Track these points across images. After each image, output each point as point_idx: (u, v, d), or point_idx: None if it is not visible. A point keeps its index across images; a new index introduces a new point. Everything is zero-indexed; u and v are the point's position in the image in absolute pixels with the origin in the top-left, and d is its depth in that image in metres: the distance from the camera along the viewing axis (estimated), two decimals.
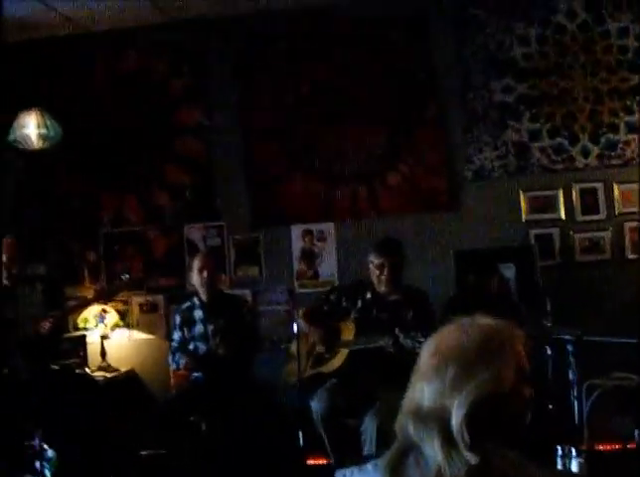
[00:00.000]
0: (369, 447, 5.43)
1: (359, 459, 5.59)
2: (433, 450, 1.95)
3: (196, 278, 6.46)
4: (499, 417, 2.00)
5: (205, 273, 6.41)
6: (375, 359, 5.61)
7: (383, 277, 5.85)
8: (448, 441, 1.94)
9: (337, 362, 5.78)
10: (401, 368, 5.43)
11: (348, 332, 5.84)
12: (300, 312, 6.08)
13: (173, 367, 6.57)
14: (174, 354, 6.53)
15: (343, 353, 5.78)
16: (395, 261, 5.88)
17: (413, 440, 2.00)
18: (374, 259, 5.90)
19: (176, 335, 6.60)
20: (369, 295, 5.99)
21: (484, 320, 2.15)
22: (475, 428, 1.94)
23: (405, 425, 2.03)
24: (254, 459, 6.18)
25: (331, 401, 5.58)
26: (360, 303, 5.99)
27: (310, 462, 5.94)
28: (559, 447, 4.33)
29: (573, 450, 4.23)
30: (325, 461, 5.92)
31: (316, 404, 5.61)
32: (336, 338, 5.90)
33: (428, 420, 1.98)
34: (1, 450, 5.74)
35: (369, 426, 5.45)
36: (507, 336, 2.10)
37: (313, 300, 6.34)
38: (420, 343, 5.05)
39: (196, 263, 6.48)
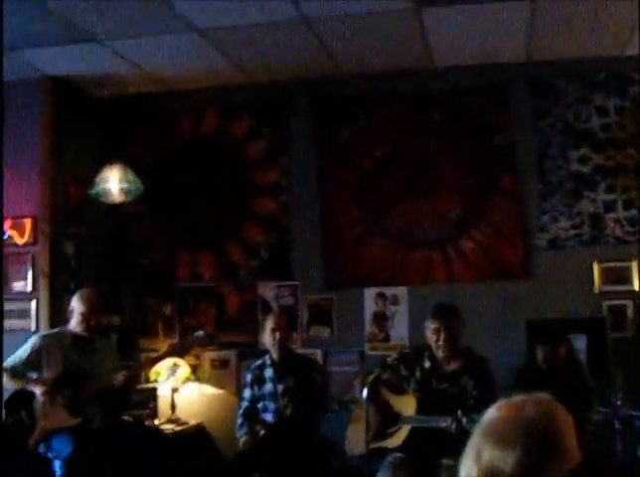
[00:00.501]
0: None
1: None
2: None
3: (268, 338, 6.55)
4: None
5: (277, 334, 6.49)
6: (438, 435, 5.55)
7: (440, 342, 5.79)
8: None
9: (400, 437, 5.69)
10: (463, 445, 5.42)
11: (410, 406, 5.76)
12: (367, 382, 6.13)
13: (239, 435, 6.61)
14: (241, 421, 6.60)
15: (405, 429, 5.70)
16: (451, 326, 5.81)
17: None
18: (430, 324, 5.85)
19: (247, 393, 6.67)
20: (427, 364, 5.91)
21: (543, 397, 2.21)
22: None
23: None
24: None
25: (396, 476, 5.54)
26: (419, 373, 5.92)
27: None
28: None
29: None
30: None
31: None
32: (389, 415, 5.89)
33: None
34: None
35: None
36: (563, 414, 2.16)
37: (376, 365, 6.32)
38: None
39: (268, 323, 6.57)
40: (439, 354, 5.86)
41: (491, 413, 2.17)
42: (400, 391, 5.93)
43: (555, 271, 7.22)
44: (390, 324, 7.55)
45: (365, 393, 5.59)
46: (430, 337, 5.87)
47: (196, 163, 8.01)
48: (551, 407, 2.15)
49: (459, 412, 5.29)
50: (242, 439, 6.54)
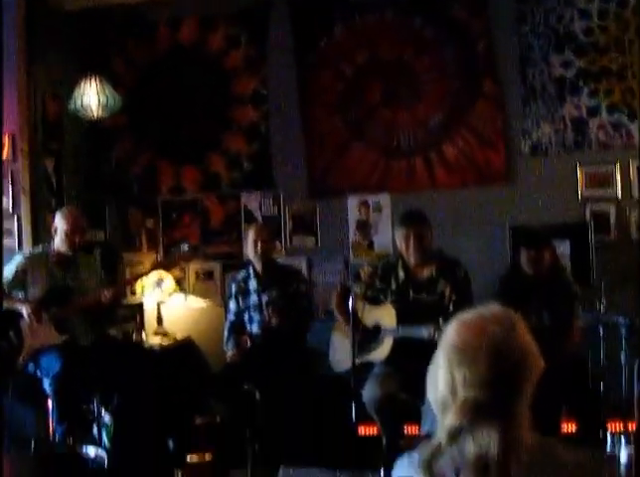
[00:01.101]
0: (430, 426, 5.43)
1: (412, 438, 5.67)
2: (482, 442, 2.07)
3: (251, 249, 6.54)
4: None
5: (259, 245, 6.48)
6: (422, 345, 5.54)
7: (411, 249, 5.79)
8: (505, 431, 2.07)
9: (384, 350, 5.75)
10: None
11: (389, 317, 5.79)
12: (333, 296, 6.16)
13: (226, 348, 6.66)
14: (227, 334, 6.64)
15: (388, 341, 5.74)
16: (420, 231, 5.81)
17: (457, 436, 2.10)
18: (399, 232, 5.87)
19: (232, 305, 6.70)
20: (402, 274, 5.91)
21: (504, 311, 2.24)
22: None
23: (453, 421, 2.11)
24: (307, 428, 6.27)
25: (382, 390, 5.56)
26: (394, 284, 5.93)
27: (362, 431, 5.99)
28: (608, 435, 4.34)
29: (623, 438, 4.23)
30: (376, 432, 5.97)
31: (367, 394, 5.59)
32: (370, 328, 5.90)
33: (488, 411, 2.09)
34: (62, 413, 5.89)
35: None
36: (522, 325, 2.22)
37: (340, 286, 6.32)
38: None
39: (250, 235, 6.56)
40: (411, 261, 5.86)
41: (451, 334, 2.22)
42: (377, 302, 5.95)
43: (538, 177, 7.20)
44: (373, 232, 7.55)
45: (336, 303, 5.64)
46: (401, 245, 5.87)
47: (175, 74, 7.88)
48: (509, 319, 2.20)
49: (440, 321, 5.31)
50: (230, 353, 6.60)
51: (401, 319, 5.71)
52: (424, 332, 5.39)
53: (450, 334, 2.22)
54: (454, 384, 2.13)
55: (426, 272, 5.88)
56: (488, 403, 2.09)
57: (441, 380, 2.17)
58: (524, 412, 2.15)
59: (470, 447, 2.08)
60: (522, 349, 2.16)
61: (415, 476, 2.15)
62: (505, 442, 2.06)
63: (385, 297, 5.93)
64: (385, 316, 5.82)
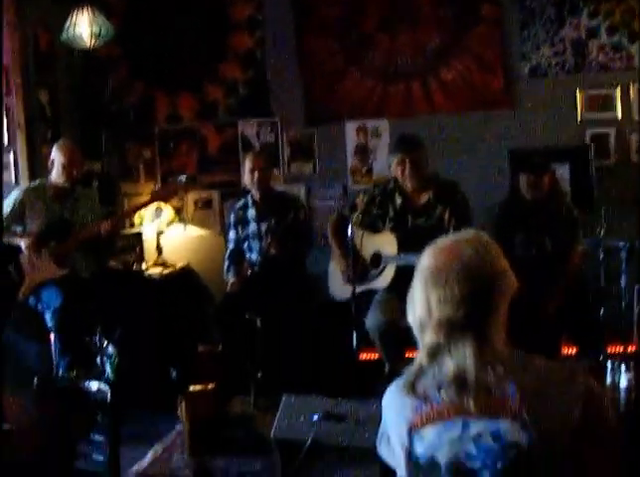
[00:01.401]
0: None
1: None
2: (458, 358, 2.19)
3: (247, 178, 6.50)
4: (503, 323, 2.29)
5: (256, 173, 6.43)
6: None
7: (406, 174, 5.78)
8: (480, 347, 2.18)
9: (387, 278, 5.76)
10: None
11: (390, 244, 5.80)
12: (330, 221, 6.14)
13: (226, 277, 6.66)
14: (228, 263, 6.64)
15: (390, 268, 5.75)
16: (415, 155, 5.80)
17: (436, 354, 2.22)
18: (394, 158, 5.85)
19: (231, 233, 6.70)
20: (399, 200, 5.91)
21: (478, 235, 2.36)
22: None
23: (433, 341, 2.24)
24: (308, 355, 6.31)
25: (385, 316, 5.59)
26: (392, 211, 5.93)
27: (363, 357, 6.03)
28: (608, 362, 4.36)
29: (623, 366, 4.26)
30: (377, 356, 6.02)
31: (370, 321, 5.64)
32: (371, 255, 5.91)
33: (463, 328, 2.20)
34: (64, 346, 5.92)
35: None
36: (497, 249, 2.34)
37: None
38: None
39: (247, 163, 6.52)
40: (408, 186, 5.85)
41: (426, 258, 2.35)
42: (375, 229, 5.95)
43: (537, 100, 7.14)
44: (372, 157, 7.51)
45: (331, 233, 5.63)
46: (396, 170, 5.85)
47: (169, 1, 7.75)
48: (481, 242, 2.31)
49: None
50: (231, 281, 6.61)
51: (402, 246, 5.71)
52: None
53: (426, 258, 2.35)
54: (430, 305, 2.24)
55: (424, 197, 5.88)
56: (462, 322, 2.19)
57: (418, 301, 2.28)
58: (498, 328, 2.25)
59: (448, 364, 2.19)
60: (493, 269, 2.26)
61: (401, 399, 2.28)
62: (479, 356, 2.17)
63: (383, 224, 5.93)
64: (385, 243, 5.82)
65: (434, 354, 2.21)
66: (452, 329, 2.19)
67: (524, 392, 2.13)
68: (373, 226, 5.94)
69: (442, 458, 2.17)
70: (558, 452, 2.12)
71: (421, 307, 2.26)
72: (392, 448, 2.37)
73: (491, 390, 2.16)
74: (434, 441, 2.19)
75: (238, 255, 6.66)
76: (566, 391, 2.15)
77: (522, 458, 2.10)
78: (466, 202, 5.89)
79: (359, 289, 5.65)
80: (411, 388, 2.24)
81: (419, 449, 2.22)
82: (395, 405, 2.33)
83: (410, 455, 2.24)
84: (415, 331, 2.29)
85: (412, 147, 5.85)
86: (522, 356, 2.24)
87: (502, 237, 5.76)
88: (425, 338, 2.24)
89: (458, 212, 5.73)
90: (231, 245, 6.71)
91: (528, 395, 2.13)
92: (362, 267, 5.81)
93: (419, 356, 2.26)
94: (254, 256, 6.58)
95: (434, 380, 2.22)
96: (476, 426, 2.15)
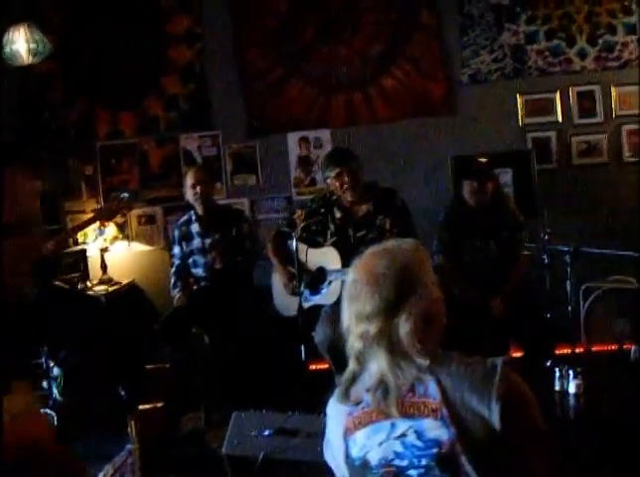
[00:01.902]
0: None
1: None
2: (379, 365, 2.30)
3: (190, 193, 6.45)
4: (433, 326, 2.37)
5: (198, 188, 6.39)
6: None
7: (345, 186, 5.74)
8: (395, 353, 2.28)
9: (334, 293, 5.67)
10: None
11: (333, 259, 5.77)
12: (269, 237, 6.13)
13: (173, 293, 6.61)
14: (174, 279, 6.58)
15: (336, 284, 5.69)
16: (352, 167, 5.76)
17: (360, 364, 2.36)
18: (331, 172, 5.80)
19: (176, 249, 6.65)
20: (338, 214, 5.90)
21: (397, 245, 2.45)
22: (419, 339, 2.29)
23: (356, 350, 2.37)
24: (257, 368, 6.28)
25: (333, 331, 5.55)
26: (332, 226, 5.91)
27: (312, 368, 6.00)
28: (556, 369, 4.38)
29: (571, 372, 4.28)
30: (327, 366, 6.00)
31: (319, 335, 5.62)
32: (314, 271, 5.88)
33: (377, 338, 2.31)
34: (10, 370, 5.82)
35: None
36: (420, 256, 2.44)
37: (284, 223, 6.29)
38: None
39: (188, 179, 6.46)
40: (347, 199, 5.82)
41: (350, 273, 2.47)
42: (316, 245, 5.91)
43: (478, 106, 7.19)
44: (315, 168, 7.49)
45: (272, 250, 5.59)
46: (334, 184, 5.81)
47: (107, 16, 7.64)
48: (402, 253, 2.41)
49: None
50: (177, 297, 6.55)
51: (345, 260, 5.67)
52: None
53: (350, 271, 2.49)
54: (350, 317, 2.40)
55: (363, 209, 5.86)
56: (375, 335, 2.31)
57: (344, 313, 2.44)
58: (411, 336, 2.29)
59: (372, 369, 2.32)
60: (409, 281, 2.35)
61: (337, 406, 2.41)
62: (394, 363, 2.28)
63: (324, 239, 5.90)
64: (328, 259, 5.80)
65: (360, 361, 2.35)
66: (369, 340, 2.32)
67: (444, 390, 2.21)
68: (313, 241, 5.91)
69: (373, 459, 2.27)
70: (480, 449, 2.18)
71: (346, 319, 2.42)
72: (333, 453, 2.46)
73: (413, 391, 2.25)
74: (365, 443, 2.29)
75: (183, 271, 6.61)
76: (485, 388, 2.20)
77: (444, 455, 2.18)
78: (406, 208, 5.88)
79: (306, 305, 5.62)
80: (345, 395, 2.36)
81: (353, 452, 2.32)
82: (333, 413, 2.44)
83: (347, 458, 2.34)
84: (346, 337, 2.42)
85: (349, 159, 5.84)
86: (444, 355, 2.32)
87: (447, 242, 5.77)
88: (353, 345, 2.38)
89: (398, 219, 5.75)
90: (176, 261, 6.65)
91: (448, 393, 2.21)
92: (308, 282, 5.78)
93: (350, 362, 2.38)
94: (200, 271, 6.54)
95: (364, 385, 2.33)
96: (401, 426, 2.25)
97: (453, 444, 2.17)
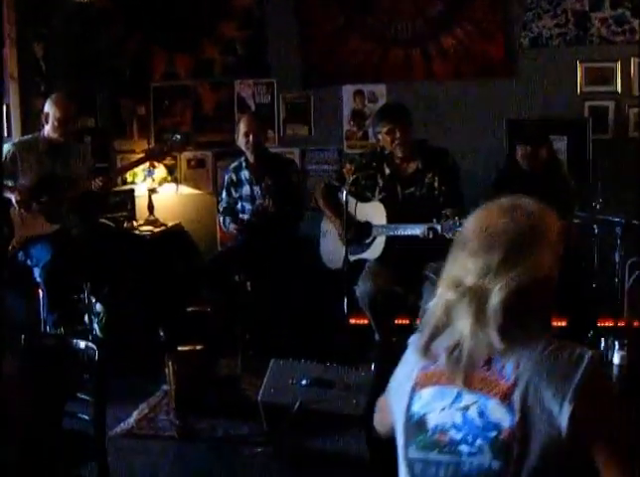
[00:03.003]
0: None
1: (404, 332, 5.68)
2: (462, 327, 2.10)
3: (241, 141, 6.42)
4: (530, 304, 2.12)
5: (250, 137, 6.35)
6: (416, 241, 5.49)
7: (396, 142, 5.73)
8: (479, 320, 2.08)
9: (378, 248, 5.74)
10: (441, 249, 5.45)
11: (379, 214, 5.75)
12: (319, 189, 6.10)
13: (223, 229, 6.62)
14: (223, 217, 6.58)
15: (381, 239, 5.72)
16: (403, 124, 5.75)
17: (448, 317, 2.15)
18: (382, 128, 5.78)
19: (224, 195, 6.64)
20: (387, 171, 5.86)
21: (528, 205, 2.19)
22: (509, 313, 2.06)
23: (445, 300, 2.16)
24: (298, 319, 6.30)
25: (376, 285, 5.56)
26: (381, 181, 5.88)
27: (353, 322, 6.00)
28: (602, 339, 4.35)
29: (617, 343, 4.25)
30: (367, 321, 6.01)
31: (361, 289, 5.61)
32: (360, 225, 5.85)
33: (467, 297, 2.10)
34: (52, 303, 5.89)
35: (429, 300, 5.41)
36: (550, 223, 2.17)
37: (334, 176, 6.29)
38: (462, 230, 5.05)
39: (242, 126, 6.42)
40: (397, 155, 5.81)
41: (467, 220, 2.25)
42: (364, 199, 5.89)
43: (537, 71, 7.07)
44: (368, 122, 7.42)
45: (322, 202, 5.58)
46: (385, 139, 5.79)
47: None
48: (527, 212, 2.17)
49: (434, 221, 5.26)
50: (231, 227, 6.52)
51: (392, 216, 5.69)
52: (417, 231, 5.35)
53: (467, 220, 2.25)
54: (451, 263, 2.19)
55: (412, 166, 5.85)
56: (468, 292, 2.10)
57: (449, 260, 2.21)
58: (500, 308, 2.09)
59: (457, 328, 2.12)
60: (516, 249, 2.10)
61: (413, 356, 2.25)
62: (474, 330, 2.08)
63: (372, 194, 5.88)
64: (374, 214, 5.79)
65: (448, 314, 2.15)
66: (460, 295, 2.11)
67: (520, 374, 2.05)
68: (362, 196, 5.88)
69: (431, 422, 2.15)
70: (541, 448, 2.02)
71: (448, 263, 2.21)
72: (396, 398, 2.32)
73: (489, 365, 2.10)
74: (429, 403, 2.17)
75: (231, 211, 6.58)
76: (563, 382, 2.02)
77: (500, 441, 2.04)
78: (456, 168, 5.87)
79: (352, 258, 5.62)
80: (425, 349, 2.20)
81: (415, 407, 2.19)
82: (408, 361, 2.30)
83: (407, 411, 2.21)
84: (443, 287, 2.21)
85: (401, 115, 5.82)
86: (532, 337, 2.10)
87: None
88: (445, 294, 2.17)
89: (448, 178, 5.74)
90: (223, 204, 6.64)
91: (523, 378, 2.05)
92: (353, 236, 5.76)
93: (438, 312, 2.19)
94: (247, 218, 6.54)
95: (445, 342, 2.16)
96: (467, 398, 2.11)
97: (513, 433, 2.03)
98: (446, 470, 2.12)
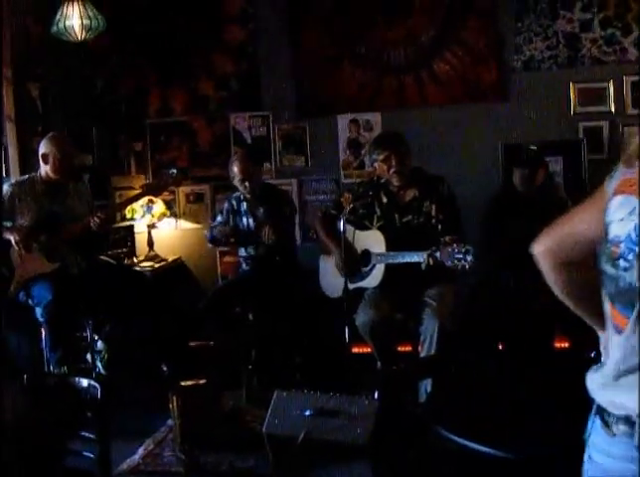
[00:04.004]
0: (428, 346, 5.45)
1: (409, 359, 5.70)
2: None
3: (238, 183, 6.46)
4: None
5: (246, 183, 6.42)
6: (415, 269, 5.48)
7: (392, 170, 5.73)
8: None
9: (378, 276, 5.73)
10: (442, 272, 5.45)
11: (378, 242, 5.75)
12: (317, 219, 6.11)
13: (214, 233, 6.62)
14: (210, 229, 6.68)
15: (380, 267, 5.71)
16: (400, 151, 5.76)
17: None
18: (379, 155, 5.78)
19: (219, 218, 6.70)
20: (385, 199, 5.88)
21: None
22: None
23: None
24: (299, 348, 6.30)
25: (376, 313, 5.57)
26: (378, 210, 5.89)
27: (355, 350, 6.00)
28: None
29: None
30: (369, 350, 6.01)
31: (361, 318, 5.61)
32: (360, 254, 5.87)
33: None
34: (55, 341, 5.89)
35: (429, 326, 5.46)
36: None
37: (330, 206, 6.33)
38: (461, 257, 5.07)
39: (235, 168, 6.45)
40: (394, 183, 5.83)
41: None
42: (362, 228, 5.90)
43: (530, 93, 7.10)
44: (364, 151, 7.45)
45: (321, 230, 5.59)
46: (381, 167, 5.80)
47: None
48: None
49: (433, 248, 5.27)
50: (219, 229, 6.59)
51: (391, 244, 5.69)
52: (417, 258, 5.36)
53: None
54: None
55: (410, 194, 5.86)
56: None
57: None
58: None
59: None
60: None
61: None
62: None
63: (370, 223, 5.90)
64: (373, 242, 5.79)
65: None
66: None
67: None
68: (360, 224, 5.90)
69: (611, 232, 2.03)
70: None
71: None
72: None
73: None
74: (613, 212, 2.05)
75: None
76: None
77: None
78: (453, 196, 5.87)
79: (350, 286, 5.63)
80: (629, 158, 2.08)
81: (607, 217, 2.07)
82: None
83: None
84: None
85: (397, 143, 5.83)
86: None
87: (495, 228, 5.74)
88: None
89: (445, 206, 5.75)
90: (215, 223, 6.74)
91: None
92: (354, 264, 5.78)
93: None
94: (243, 251, 6.58)
95: None
96: None
97: None
98: (614, 285, 2.03)
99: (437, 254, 5.21)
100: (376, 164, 5.84)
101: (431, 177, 5.94)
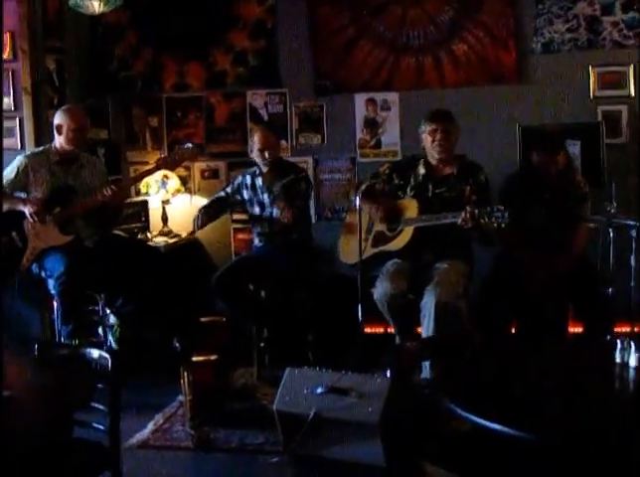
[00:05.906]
0: (428, 322, 5.46)
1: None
2: None
3: (257, 156, 6.40)
4: None
5: (266, 154, 6.35)
6: (437, 235, 5.62)
7: (436, 143, 5.82)
8: None
9: (402, 240, 5.75)
10: (459, 242, 5.51)
11: (411, 209, 5.79)
12: (360, 191, 6.07)
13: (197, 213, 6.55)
14: (207, 205, 6.68)
15: (408, 231, 5.73)
16: (447, 127, 5.85)
17: None
18: (427, 127, 5.87)
19: (229, 189, 6.69)
20: (422, 171, 5.95)
21: None
22: None
23: None
24: (313, 326, 6.30)
25: (394, 286, 5.57)
26: (413, 180, 5.96)
27: (368, 330, 5.98)
28: (618, 341, 4.31)
29: (633, 344, 4.21)
30: (382, 330, 6.00)
31: (378, 292, 5.61)
32: (398, 216, 5.87)
33: None
34: (67, 314, 5.89)
35: (428, 301, 5.47)
36: None
37: (368, 176, 6.27)
38: (499, 215, 5.13)
39: (256, 141, 6.40)
40: (435, 156, 5.90)
41: None
42: (396, 198, 5.96)
43: (549, 76, 7.05)
44: (381, 130, 7.45)
45: (357, 201, 5.56)
46: (427, 139, 5.89)
47: None
48: None
49: (467, 208, 5.34)
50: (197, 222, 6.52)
51: (423, 209, 5.76)
52: (452, 218, 5.41)
53: None
54: None
55: (447, 170, 5.94)
56: None
57: None
58: None
59: None
60: None
61: None
62: None
63: (403, 193, 5.97)
64: (407, 208, 5.83)
65: None
66: None
67: None
68: (394, 194, 5.98)
69: None
70: None
71: None
72: None
73: None
74: None
75: (221, 204, 6.70)
76: None
77: None
78: (488, 184, 5.94)
79: (372, 251, 5.73)
80: None
81: None
82: None
83: None
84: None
85: (446, 119, 5.91)
86: None
87: (511, 209, 5.72)
88: None
89: (480, 192, 5.78)
90: (221, 194, 6.73)
91: None
92: (378, 232, 5.92)
93: None
94: (258, 228, 6.56)
95: None
96: None
97: None
98: None
99: (476, 211, 5.28)
100: (423, 135, 5.93)
101: (472, 163, 6.02)
